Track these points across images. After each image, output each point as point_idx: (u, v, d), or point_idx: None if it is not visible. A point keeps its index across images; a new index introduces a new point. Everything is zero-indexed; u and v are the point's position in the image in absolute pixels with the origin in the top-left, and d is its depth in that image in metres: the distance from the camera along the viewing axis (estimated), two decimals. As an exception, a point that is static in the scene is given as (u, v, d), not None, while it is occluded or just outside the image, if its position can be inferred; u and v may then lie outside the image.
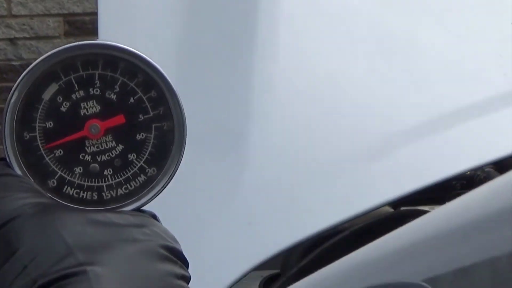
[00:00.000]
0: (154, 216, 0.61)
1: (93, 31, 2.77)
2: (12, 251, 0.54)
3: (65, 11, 2.93)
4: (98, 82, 0.62)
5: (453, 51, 1.29)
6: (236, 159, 1.13)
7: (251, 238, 1.04)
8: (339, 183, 1.11)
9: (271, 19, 1.31)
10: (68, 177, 0.61)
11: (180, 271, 0.56)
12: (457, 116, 1.18)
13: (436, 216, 1.04)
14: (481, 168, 1.35)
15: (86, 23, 2.92)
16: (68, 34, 2.94)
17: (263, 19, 1.29)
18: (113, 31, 1.18)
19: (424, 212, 1.21)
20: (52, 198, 0.61)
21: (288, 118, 1.20)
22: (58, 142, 0.61)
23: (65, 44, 0.62)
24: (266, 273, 1.25)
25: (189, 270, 0.62)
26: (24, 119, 0.61)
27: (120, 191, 0.62)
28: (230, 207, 1.07)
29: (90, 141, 0.61)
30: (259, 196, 1.09)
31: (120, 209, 0.61)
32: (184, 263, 0.58)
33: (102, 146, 0.62)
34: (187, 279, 0.57)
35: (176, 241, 0.59)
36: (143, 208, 0.62)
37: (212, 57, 1.23)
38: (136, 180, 0.62)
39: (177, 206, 0.99)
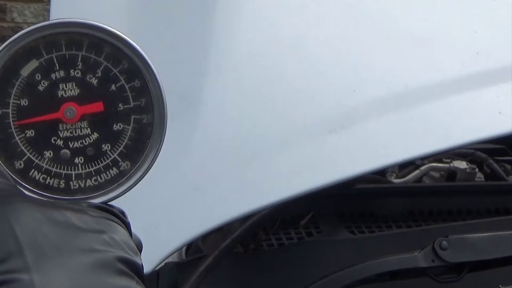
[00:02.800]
0: (122, 213, 0.58)
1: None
2: None
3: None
4: (81, 64, 0.58)
5: (426, 24, 1.25)
6: (187, 121, 1.08)
7: (198, 205, 1.02)
8: (293, 154, 1.08)
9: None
10: (37, 161, 0.58)
11: (136, 287, 0.53)
12: (425, 92, 1.15)
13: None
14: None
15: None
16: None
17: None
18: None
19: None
20: (16, 180, 0.58)
21: (244, 81, 1.16)
22: (30, 121, 0.58)
23: (51, 20, 0.58)
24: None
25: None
26: None
27: (89, 182, 0.59)
28: (176, 170, 1.04)
29: (64, 125, 0.58)
30: (209, 162, 1.06)
31: (86, 201, 0.58)
32: (142, 278, 0.54)
33: (76, 132, 0.58)
34: None
35: (137, 253, 0.55)
36: (111, 203, 0.60)
37: (166, 12, 1.17)
38: (108, 172, 0.59)
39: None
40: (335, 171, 1.06)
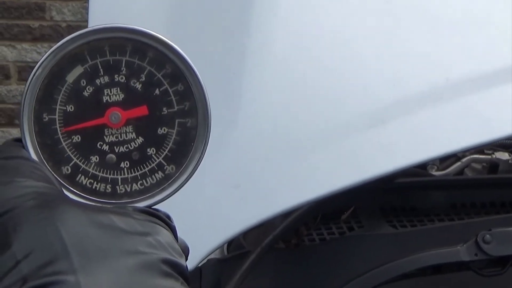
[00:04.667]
0: (168, 217, 0.58)
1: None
2: (7, 243, 0.51)
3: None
4: (124, 69, 0.59)
5: (466, 15, 1.23)
6: (226, 116, 1.08)
7: (239, 202, 1.02)
8: (333, 150, 1.07)
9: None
10: (83, 166, 0.59)
11: None
12: (467, 84, 1.13)
13: None
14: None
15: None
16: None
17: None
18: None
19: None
20: (64, 185, 0.59)
21: (284, 74, 1.15)
22: (76, 127, 0.58)
23: (94, 26, 0.58)
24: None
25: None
26: (45, 100, 0.58)
27: (135, 186, 0.60)
28: (216, 168, 1.04)
29: (110, 130, 0.59)
30: (249, 158, 1.06)
31: (132, 205, 0.59)
32: (187, 279, 0.54)
33: (121, 137, 0.59)
34: None
35: (181, 255, 0.55)
36: (157, 206, 0.60)
37: (203, 10, 1.16)
38: (153, 176, 0.60)
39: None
40: (376, 166, 1.05)
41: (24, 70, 2.85)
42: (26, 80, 0.58)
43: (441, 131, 1.10)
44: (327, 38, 1.18)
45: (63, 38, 0.58)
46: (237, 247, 1.21)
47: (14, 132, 2.94)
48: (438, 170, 1.48)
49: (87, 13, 1.12)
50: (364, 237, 1.20)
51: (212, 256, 1.08)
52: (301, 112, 1.11)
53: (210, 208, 1.02)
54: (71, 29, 2.60)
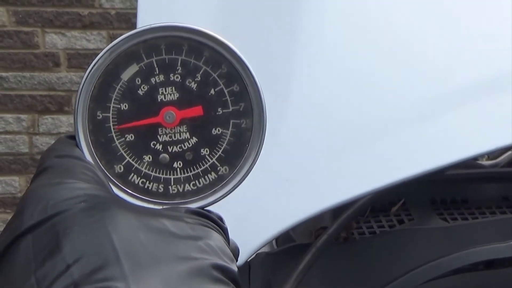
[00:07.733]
0: (220, 218, 0.58)
1: None
2: (57, 246, 0.51)
3: None
4: (180, 68, 0.58)
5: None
6: (274, 110, 1.07)
7: (288, 196, 1.02)
8: (385, 144, 1.06)
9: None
10: (136, 165, 0.59)
11: None
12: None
13: None
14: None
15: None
16: None
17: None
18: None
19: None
20: (116, 184, 0.59)
21: (332, 68, 1.14)
22: (130, 125, 0.58)
23: (150, 24, 0.58)
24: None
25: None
26: (99, 98, 0.58)
27: (187, 187, 0.59)
28: (266, 161, 1.03)
29: (164, 129, 0.59)
30: (298, 151, 1.05)
31: (184, 206, 0.59)
32: (237, 284, 0.54)
33: (175, 137, 0.59)
34: None
35: (232, 260, 0.55)
36: (210, 208, 0.60)
37: (251, 7, 1.15)
38: (206, 177, 0.60)
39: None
40: (430, 160, 1.03)
41: (74, 57, 2.88)
42: (83, 74, 0.58)
43: (495, 124, 1.08)
44: (379, 29, 1.17)
45: (118, 37, 0.58)
46: (287, 240, 1.20)
47: (64, 119, 2.97)
48: (488, 159, 1.45)
49: (136, 1, 1.12)
50: (415, 231, 1.18)
51: (261, 250, 1.07)
52: (352, 106, 1.10)
53: (260, 202, 1.01)
54: (120, 16, 2.63)
